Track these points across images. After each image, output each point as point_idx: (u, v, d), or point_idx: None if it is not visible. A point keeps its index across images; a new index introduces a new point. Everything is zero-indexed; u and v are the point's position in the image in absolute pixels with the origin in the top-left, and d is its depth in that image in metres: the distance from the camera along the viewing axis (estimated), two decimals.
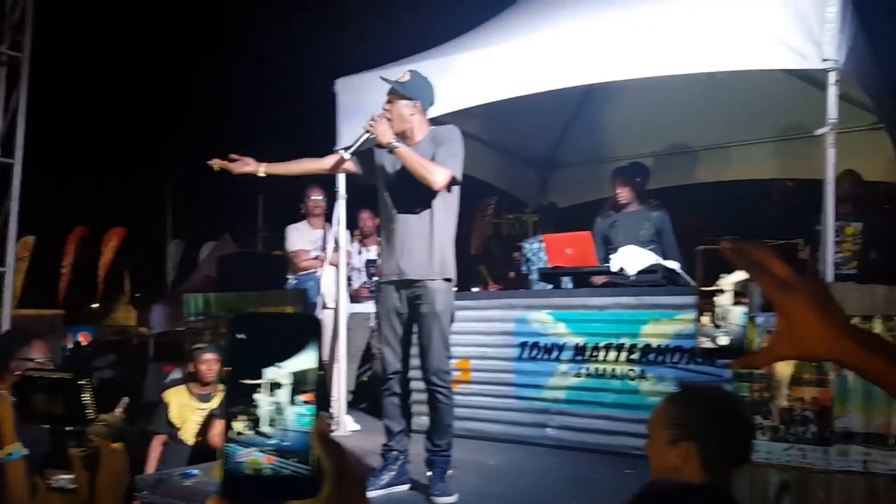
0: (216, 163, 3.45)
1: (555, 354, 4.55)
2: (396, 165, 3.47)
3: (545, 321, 4.59)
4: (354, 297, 5.59)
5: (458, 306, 4.91)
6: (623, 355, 4.29)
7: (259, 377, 0.66)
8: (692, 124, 6.51)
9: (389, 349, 3.52)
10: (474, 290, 5.42)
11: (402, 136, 3.44)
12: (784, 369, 3.19)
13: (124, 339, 9.24)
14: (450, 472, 3.45)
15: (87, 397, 1.68)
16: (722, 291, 0.83)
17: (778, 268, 0.78)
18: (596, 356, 4.40)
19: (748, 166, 6.99)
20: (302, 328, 0.68)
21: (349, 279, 5.65)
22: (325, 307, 5.17)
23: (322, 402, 0.72)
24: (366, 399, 5.86)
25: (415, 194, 3.41)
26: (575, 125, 7.10)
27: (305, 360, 0.67)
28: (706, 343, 0.84)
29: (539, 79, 4.25)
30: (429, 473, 3.43)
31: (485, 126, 6.48)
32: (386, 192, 3.54)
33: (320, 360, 0.68)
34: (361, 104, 4.64)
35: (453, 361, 4.89)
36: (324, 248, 5.18)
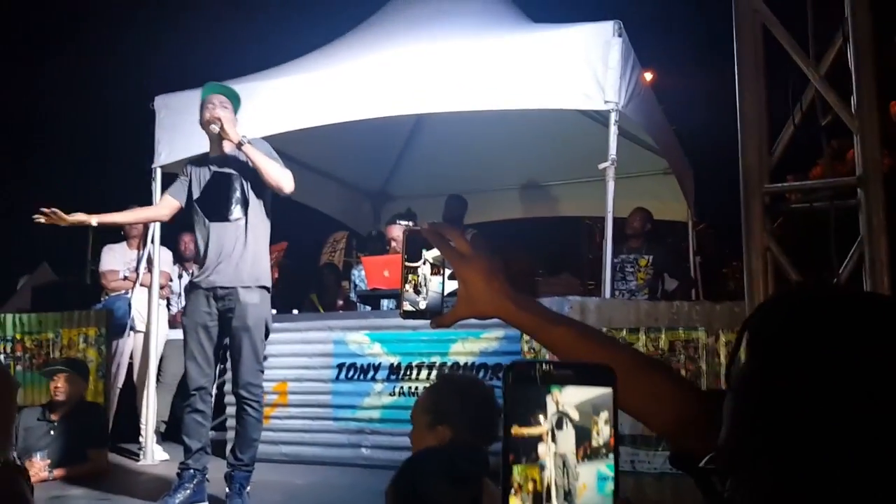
0: (44, 216, 3.33)
1: (371, 374, 4.64)
2: (206, 177, 3.48)
3: (362, 342, 4.68)
4: (173, 323, 5.39)
5: (278, 328, 4.92)
6: (434, 373, 4.46)
7: None
8: (515, 163, 6.95)
9: (194, 364, 3.46)
10: (294, 312, 5.42)
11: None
12: None
13: None
14: (248, 488, 3.42)
15: None
16: (424, 263, 0.95)
17: (460, 244, 0.93)
18: (409, 375, 4.54)
19: (567, 204, 7.54)
20: None
21: (168, 303, 5.45)
22: (135, 330, 4.96)
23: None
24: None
25: (228, 203, 3.42)
26: (405, 160, 7.38)
27: None
28: (408, 307, 0.95)
29: (339, 108, 4.46)
30: (227, 489, 3.38)
31: (321, 158, 6.59)
32: (197, 205, 3.52)
33: None
34: (180, 121, 4.62)
35: (271, 385, 4.87)
36: (137, 269, 4.99)
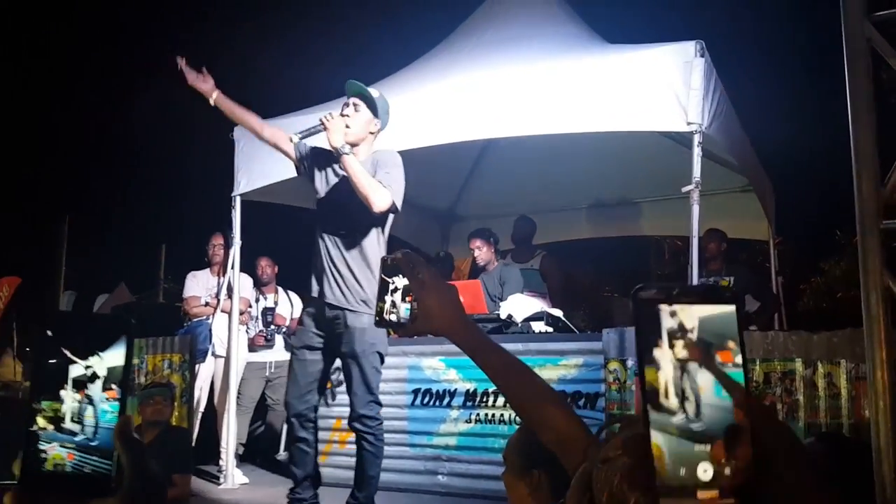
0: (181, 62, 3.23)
1: (446, 401, 4.62)
2: (331, 181, 3.30)
3: (437, 367, 4.67)
4: (250, 346, 5.49)
5: None
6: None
7: (65, 374, 0.68)
8: (585, 181, 6.84)
9: (293, 387, 3.32)
10: None
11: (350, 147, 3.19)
12: None
13: (8, 395, 8.71)
14: None
15: None
16: (396, 290, 1.11)
17: (423, 273, 1.11)
18: (486, 402, 4.49)
19: (639, 223, 7.39)
20: (111, 326, 0.70)
21: (247, 328, 5.54)
22: (215, 355, 5.06)
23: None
24: (258, 453, 5.72)
25: (348, 215, 3.22)
26: (474, 180, 7.35)
27: (112, 357, 0.69)
28: (383, 322, 1.13)
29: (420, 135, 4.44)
30: None
31: None
32: (318, 208, 3.36)
33: (128, 358, 0.70)
34: (259, 150, 4.69)
35: (348, 409, 4.89)
36: (218, 295, 5.10)
